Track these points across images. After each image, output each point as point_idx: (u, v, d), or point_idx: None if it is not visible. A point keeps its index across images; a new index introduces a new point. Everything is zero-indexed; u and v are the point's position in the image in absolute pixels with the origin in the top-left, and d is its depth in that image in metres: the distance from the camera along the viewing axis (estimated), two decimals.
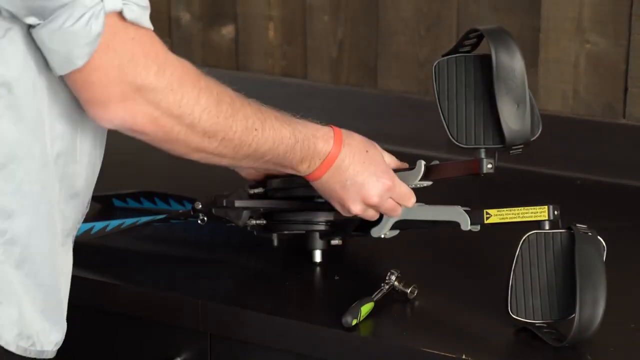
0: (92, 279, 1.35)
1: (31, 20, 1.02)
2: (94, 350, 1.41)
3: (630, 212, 1.49)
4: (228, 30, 1.95)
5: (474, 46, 1.25)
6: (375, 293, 1.27)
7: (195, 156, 1.16)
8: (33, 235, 1.08)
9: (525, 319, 1.20)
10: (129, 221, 1.42)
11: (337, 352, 1.24)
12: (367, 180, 1.26)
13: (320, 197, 1.37)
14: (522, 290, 1.20)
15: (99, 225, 1.41)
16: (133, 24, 1.03)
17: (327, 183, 1.26)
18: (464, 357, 1.17)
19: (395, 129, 1.81)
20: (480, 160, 1.24)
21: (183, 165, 1.42)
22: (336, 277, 1.37)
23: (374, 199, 1.27)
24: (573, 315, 1.16)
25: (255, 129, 1.17)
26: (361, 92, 1.85)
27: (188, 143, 1.12)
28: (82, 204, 1.16)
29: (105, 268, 1.38)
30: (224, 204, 1.35)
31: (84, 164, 1.13)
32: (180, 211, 1.43)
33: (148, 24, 1.05)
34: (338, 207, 1.29)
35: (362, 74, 1.86)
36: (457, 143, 1.24)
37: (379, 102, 1.83)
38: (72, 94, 1.08)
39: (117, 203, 1.52)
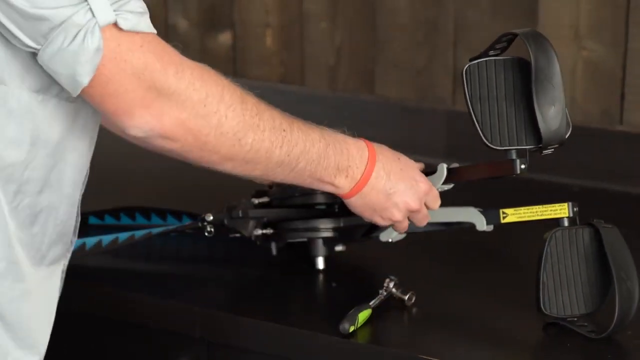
0: (90, 287, 1.35)
1: (30, 43, 1.01)
2: (91, 358, 1.41)
3: (628, 219, 1.49)
4: (225, 37, 1.95)
5: (503, 50, 1.27)
6: (373, 300, 1.27)
7: (228, 165, 1.13)
8: None
9: (557, 314, 1.24)
10: (139, 233, 1.42)
11: (334, 359, 1.24)
12: (409, 185, 1.25)
13: (320, 204, 1.38)
14: (553, 286, 1.23)
15: (107, 238, 1.40)
16: (135, 31, 1.03)
17: (370, 195, 1.24)
18: None
19: (393, 136, 1.80)
20: (513, 161, 1.25)
21: (165, 177, 1.43)
22: (333, 284, 1.37)
23: (416, 203, 1.26)
24: (602, 306, 1.23)
25: (284, 130, 1.15)
26: (358, 99, 1.85)
27: (218, 147, 1.10)
28: (52, 225, 1.12)
29: (103, 276, 1.38)
30: (240, 215, 1.36)
31: (42, 183, 1.09)
32: (186, 224, 1.43)
33: (148, 29, 1.04)
34: (377, 220, 1.27)
35: (359, 81, 1.86)
36: (491, 146, 1.25)
37: (377, 109, 1.83)
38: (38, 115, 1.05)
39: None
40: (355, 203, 1.25)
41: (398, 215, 1.26)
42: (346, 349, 1.23)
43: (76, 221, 1.17)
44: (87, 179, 1.16)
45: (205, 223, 1.38)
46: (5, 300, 1.09)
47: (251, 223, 1.37)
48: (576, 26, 1.67)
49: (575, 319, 1.24)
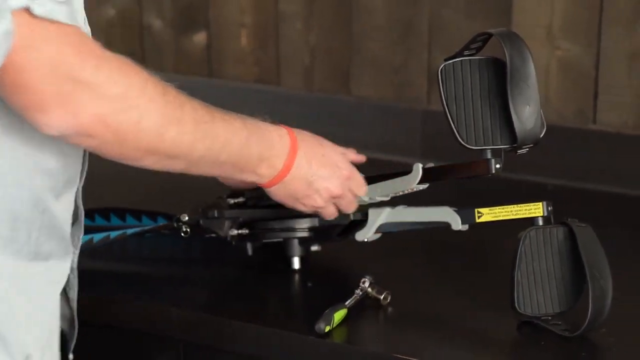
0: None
1: None
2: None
3: (601, 217, 1.50)
4: (200, 37, 1.95)
5: (479, 49, 1.27)
6: (349, 300, 1.28)
7: (148, 161, 1.08)
8: None
9: (531, 313, 1.24)
10: (114, 234, 1.41)
11: (310, 358, 1.24)
12: (331, 171, 1.25)
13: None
14: (527, 285, 1.24)
15: (82, 239, 1.40)
16: (51, 20, 0.97)
17: (291, 183, 1.22)
18: None
19: (369, 136, 1.82)
20: (488, 161, 1.25)
21: (140, 178, 1.42)
22: (309, 284, 1.37)
23: (339, 189, 1.26)
24: (576, 305, 1.23)
25: (205, 122, 1.10)
26: (334, 99, 1.85)
27: (139, 143, 1.04)
28: (39, 219, 1.08)
29: (78, 277, 1.37)
30: (215, 215, 1.35)
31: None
32: (161, 224, 1.43)
33: (67, 20, 0.98)
34: (300, 207, 1.27)
35: (335, 81, 1.86)
36: (466, 145, 1.25)
37: (353, 109, 1.84)
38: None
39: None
40: (277, 192, 1.23)
41: (320, 201, 1.26)
42: (322, 349, 1.23)
43: (74, 214, 1.14)
44: (84, 174, 1.14)
45: (181, 223, 1.38)
46: None
47: (227, 223, 1.37)
48: (550, 26, 1.68)
49: (549, 317, 1.25)
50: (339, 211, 1.32)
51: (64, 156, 1.10)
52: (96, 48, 1.01)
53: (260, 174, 1.20)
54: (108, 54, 1.02)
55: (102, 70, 1.00)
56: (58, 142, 1.07)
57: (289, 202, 1.26)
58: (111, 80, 1.01)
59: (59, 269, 1.14)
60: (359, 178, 1.29)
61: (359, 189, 1.29)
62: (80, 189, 1.16)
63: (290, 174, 1.21)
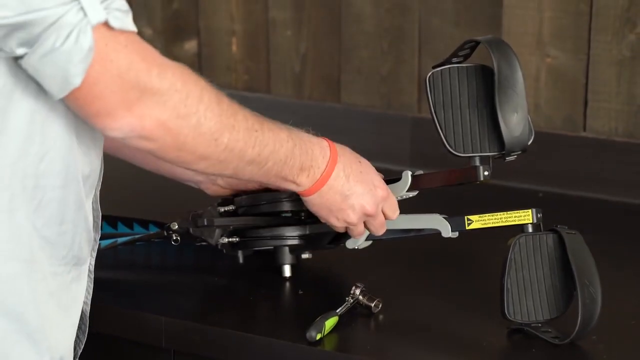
0: None
1: (20, 50, 1.00)
2: None
3: (591, 223, 1.50)
4: (191, 45, 1.95)
5: (466, 57, 1.28)
6: (340, 307, 1.28)
7: (202, 164, 1.13)
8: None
9: (521, 320, 1.24)
10: (104, 243, 1.41)
11: None
12: (367, 189, 1.26)
13: (286, 212, 1.38)
14: (517, 292, 1.24)
15: None
16: (121, 30, 1.02)
17: (328, 194, 1.25)
18: None
19: (359, 144, 1.81)
20: (476, 168, 1.26)
21: (132, 185, 1.43)
22: (300, 292, 1.37)
23: (373, 208, 1.27)
24: (566, 312, 1.24)
25: (256, 130, 1.15)
26: (324, 107, 1.86)
27: (195, 147, 1.10)
28: (83, 223, 1.12)
29: None
30: (205, 223, 1.35)
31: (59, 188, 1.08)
32: (152, 233, 1.43)
33: (133, 27, 1.04)
34: (333, 221, 1.28)
35: (325, 89, 1.86)
36: (454, 153, 1.26)
37: (343, 117, 1.84)
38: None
39: None
40: (313, 201, 1.26)
41: (353, 217, 1.27)
42: (313, 357, 1.24)
43: (95, 217, 1.17)
44: (101, 179, 1.16)
45: (171, 232, 1.38)
46: (23, 301, 1.07)
47: (217, 231, 1.37)
48: (539, 33, 1.69)
49: (539, 325, 1.25)
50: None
51: (95, 160, 1.14)
52: (157, 55, 1.07)
53: (300, 183, 1.23)
54: (168, 61, 1.08)
55: (166, 78, 1.06)
56: (93, 145, 1.12)
57: (324, 214, 1.27)
58: (173, 87, 1.06)
59: (86, 272, 1.17)
60: (393, 201, 1.29)
61: (392, 212, 1.29)
62: (98, 192, 1.18)
63: (327, 185, 1.24)
